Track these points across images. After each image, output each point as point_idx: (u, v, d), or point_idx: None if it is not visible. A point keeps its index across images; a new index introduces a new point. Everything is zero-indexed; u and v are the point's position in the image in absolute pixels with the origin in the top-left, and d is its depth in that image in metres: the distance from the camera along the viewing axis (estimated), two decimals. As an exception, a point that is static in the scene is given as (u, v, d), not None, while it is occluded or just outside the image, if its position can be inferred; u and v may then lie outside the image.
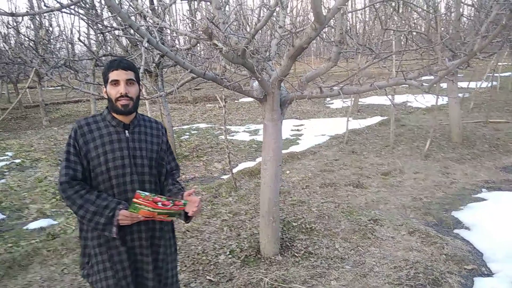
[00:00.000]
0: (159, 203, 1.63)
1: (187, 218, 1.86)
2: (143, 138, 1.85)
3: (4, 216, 4.69)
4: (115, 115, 1.79)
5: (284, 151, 6.87)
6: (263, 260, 3.27)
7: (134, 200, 1.59)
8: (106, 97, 1.78)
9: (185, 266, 3.27)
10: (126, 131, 1.81)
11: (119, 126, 1.79)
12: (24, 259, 3.51)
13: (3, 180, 6.12)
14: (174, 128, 9.29)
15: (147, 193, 1.59)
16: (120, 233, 1.71)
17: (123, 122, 1.80)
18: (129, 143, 1.79)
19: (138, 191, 1.58)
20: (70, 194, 1.69)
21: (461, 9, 6.47)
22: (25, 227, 4.32)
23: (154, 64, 6.04)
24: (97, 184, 1.75)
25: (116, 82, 1.73)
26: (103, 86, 1.80)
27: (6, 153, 7.95)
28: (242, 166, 6.33)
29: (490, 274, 3.04)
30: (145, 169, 1.82)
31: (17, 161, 7.26)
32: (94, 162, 1.73)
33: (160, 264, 1.88)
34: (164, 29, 4.05)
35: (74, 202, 1.68)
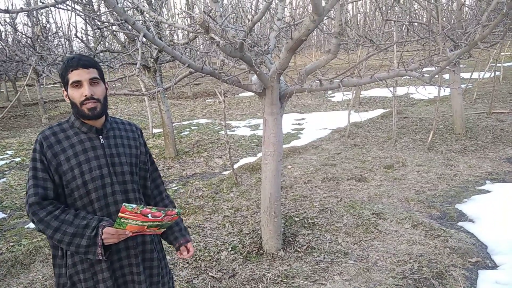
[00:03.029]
0: (149, 215, 1.41)
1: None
2: (120, 142, 1.65)
3: (5, 215, 4.69)
4: (83, 120, 1.59)
5: (285, 146, 6.84)
6: (265, 256, 3.25)
7: (120, 214, 1.37)
8: (68, 101, 1.58)
9: (187, 263, 3.25)
10: (100, 137, 1.60)
11: (91, 131, 1.59)
12: (26, 258, 3.50)
13: (3, 179, 6.11)
14: (174, 124, 9.26)
15: (134, 205, 1.37)
16: (108, 252, 1.52)
17: (95, 126, 1.59)
18: (105, 149, 1.59)
19: (125, 204, 1.36)
20: (42, 217, 1.46)
21: (462, -1, 6.37)
22: (26, 226, 4.31)
23: (152, 59, 5.99)
24: (73, 201, 1.54)
25: (78, 84, 1.51)
26: (63, 89, 1.58)
27: (6, 151, 7.95)
28: (243, 161, 6.30)
29: (494, 266, 3.02)
30: (127, 177, 1.62)
31: (17, 159, 7.25)
32: (68, 176, 1.51)
33: (156, 279, 1.71)
34: (161, 23, 3.99)
35: (48, 225, 1.46)
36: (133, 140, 1.71)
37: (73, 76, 1.51)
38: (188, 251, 1.75)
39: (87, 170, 1.54)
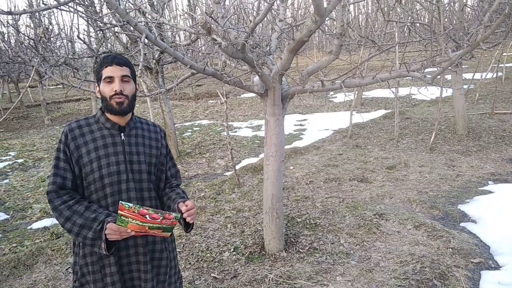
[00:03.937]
0: (147, 216, 1.44)
1: (187, 226, 1.69)
2: (141, 141, 1.69)
3: (8, 216, 4.70)
4: (109, 116, 1.64)
5: (287, 146, 6.84)
6: (267, 257, 3.25)
7: (119, 212, 1.42)
8: (99, 96, 1.63)
9: (189, 263, 3.26)
10: (122, 134, 1.65)
11: (114, 128, 1.64)
12: (28, 258, 3.50)
13: (6, 180, 6.13)
14: (176, 125, 9.28)
15: (131, 204, 1.41)
16: (113, 248, 1.55)
17: (118, 124, 1.64)
18: (125, 147, 1.63)
19: (121, 202, 1.40)
20: (57, 205, 1.53)
21: (464, -1, 6.37)
22: (29, 227, 4.32)
23: (154, 61, 6.01)
24: (90, 193, 1.59)
25: (110, 79, 1.58)
26: (96, 84, 1.67)
27: (9, 153, 7.97)
28: (245, 162, 6.30)
29: (497, 267, 3.01)
30: (143, 176, 1.65)
31: (20, 160, 7.27)
32: (87, 169, 1.57)
33: (162, 278, 1.72)
34: (163, 24, 4.00)
35: (60, 213, 1.52)
36: (154, 141, 1.75)
37: (107, 71, 1.59)
38: (187, 205, 1.60)
39: (105, 165, 1.59)
